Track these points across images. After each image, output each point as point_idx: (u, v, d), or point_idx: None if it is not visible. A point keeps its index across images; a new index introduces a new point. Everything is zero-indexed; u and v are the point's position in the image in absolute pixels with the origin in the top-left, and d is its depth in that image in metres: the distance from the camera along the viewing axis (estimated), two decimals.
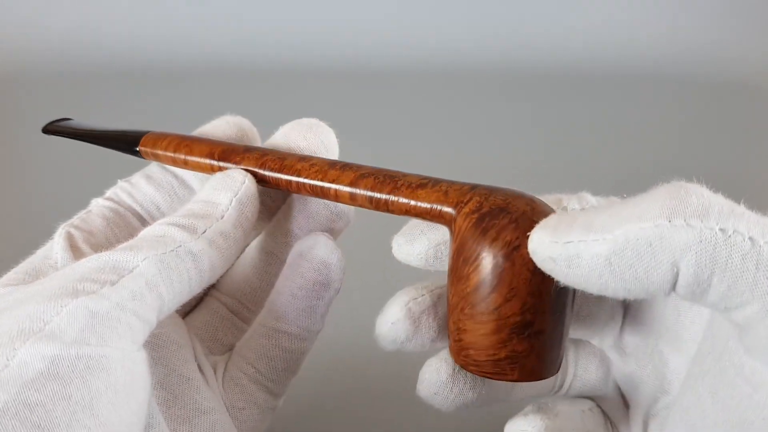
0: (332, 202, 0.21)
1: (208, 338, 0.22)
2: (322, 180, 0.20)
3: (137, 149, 0.23)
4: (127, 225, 0.22)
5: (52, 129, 0.25)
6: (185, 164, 0.22)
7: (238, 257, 0.19)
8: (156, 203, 0.23)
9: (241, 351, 0.21)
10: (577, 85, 0.72)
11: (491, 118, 0.63)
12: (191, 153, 0.22)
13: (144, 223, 0.22)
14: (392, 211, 0.19)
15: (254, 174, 0.21)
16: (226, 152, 0.21)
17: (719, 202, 0.14)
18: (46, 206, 0.46)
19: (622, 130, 0.59)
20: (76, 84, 0.72)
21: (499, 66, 0.77)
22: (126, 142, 0.24)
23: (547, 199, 0.18)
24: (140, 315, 0.15)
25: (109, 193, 0.23)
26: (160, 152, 0.23)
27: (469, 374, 0.19)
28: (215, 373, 0.21)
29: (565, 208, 0.18)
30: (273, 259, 0.23)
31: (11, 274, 0.19)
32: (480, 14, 0.82)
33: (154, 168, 0.24)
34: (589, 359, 0.21)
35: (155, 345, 0.19)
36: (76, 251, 0.19)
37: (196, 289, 0.17)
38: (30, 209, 0.46)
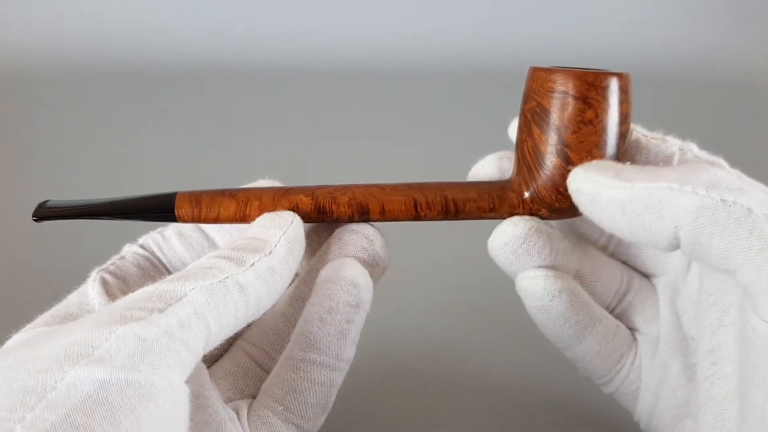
0: (369, 246, 0.21)
1: (228, 388, 0.21)
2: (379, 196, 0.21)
3: (174, 215, 0.21)
4: (160, 276, 0.21)
5: (47, 214, 0.23)
6: (236, 216, 0.21)
7: (280, 296, 0.19)
8: (184, 263, 0.22)
9: (268, 389, 0.20)
10: None
11: (491, 118, 0.63)
12: (237, 202, 0.21)
13: None
14: (461, 213, 0.21)
15: (310, 210, 0.21)
16: (279, 194, 0.21)
17: (729, 179, 0.17)
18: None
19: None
20: (76, 84, 0.72)
21: (499, 66, 0.77)
22: (158, 211, 0.22)
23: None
24: (188, 344, 0.15)
25: (141, 240, 0.22)
26: (203, 212, 0.21)
27: (539, 238, 0.21)
28: (238, 416, 0.20)
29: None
30: (303, 306, 0.22)
31: (46, 317, 0.18)
32: (480, 14, 0.82)
33: (187, 226, 0.23)
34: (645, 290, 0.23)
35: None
36: (112, 298, 0.19)
37: (242, 322, 0.17)
38: (29, 209, 0.46)
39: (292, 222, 0.20)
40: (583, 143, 0.19)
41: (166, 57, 0.77)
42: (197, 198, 0.21)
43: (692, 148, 0.21)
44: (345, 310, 0.20)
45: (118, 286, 0.20)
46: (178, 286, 0.16)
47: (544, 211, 0.21)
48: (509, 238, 0.20)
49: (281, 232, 0.19)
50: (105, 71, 0.75)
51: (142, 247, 0.22)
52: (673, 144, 0.21)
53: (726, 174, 0.17)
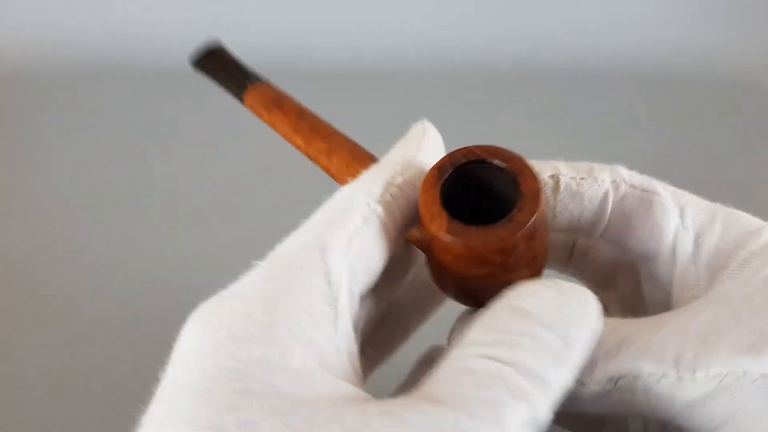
0: None
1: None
2: None
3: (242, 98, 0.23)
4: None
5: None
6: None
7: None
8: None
9: None
10: (577, 85, 0.71)
11: (491, 118, 0.63)
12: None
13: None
14: None
15: None
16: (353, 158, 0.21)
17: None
18: (45, 206, 0.46)
19: (622, 129, 0.59)
20: (76, 84, 0.71)
21: (499, 66, 0.77)
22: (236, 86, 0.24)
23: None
24: None
25: (381, 193, 0.18)
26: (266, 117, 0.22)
27: None
28: None
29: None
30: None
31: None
32: (480, 14, 0.82)
33: None
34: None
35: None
36: (354, 300, 0.16)
37: None
38: (29, 210, 0.46)
39: (593, 316, 0.15)
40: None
41: (166, 57, 0.77)
42: (271, 100, 0.23)
43: (623, 175, 0.19)
44: None
45: (362, 280, 0.16)
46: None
47: None
48: None
49: (583, 333, 0.14)
50: (105, 71, 0.74)
51: (387, 203, 0.17)
52: (603, 180, 0.19)
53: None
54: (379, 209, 0.17)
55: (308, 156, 0.22)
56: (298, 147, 0.22)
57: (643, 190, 0.19)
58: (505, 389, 0.12)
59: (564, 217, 0.20)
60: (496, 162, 0.18)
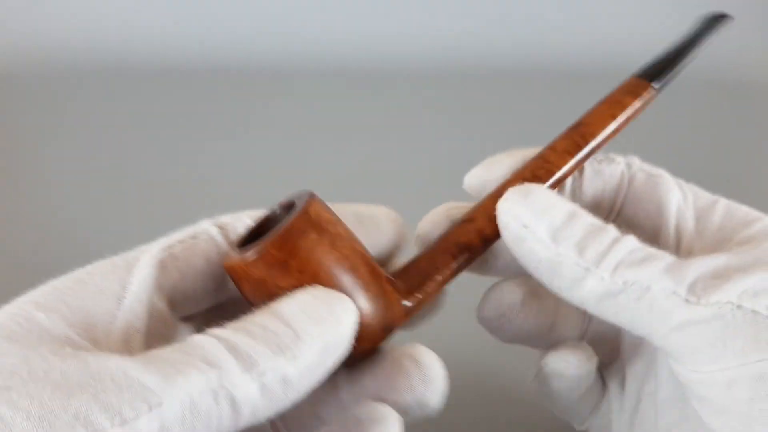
0: (423, 390, 0.17)
1: None
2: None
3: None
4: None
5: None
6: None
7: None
8: None
9: None
10: (577, 85, 0.71)
11: (491, 118, 0.63)
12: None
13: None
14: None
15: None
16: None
17: (637, 247, 0.18)
18: (45, 206, 0.46)
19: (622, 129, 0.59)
20: (75, 84, 0.72)
21: (499, 66, 0.77)
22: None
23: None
24: None
25: (225, 220, 0.19)
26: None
27: (539, 301, 0.21)
28: None
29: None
30: (330, 389, 0.19)
31: (64, 298, 0.16)
32: (480, 14, 0.82)
33: None
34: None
35: None
36: (161, 293, 0.17)
37: None
38: (29, 210, 0.46)
39: (343, 324, 0.16)
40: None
41: (166, 57, 0.77)
42: None
43: (635, 160, 0.22)
44: None
45: (173, 278, 0.17)
46: (160, 385, 0.13)
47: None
48: (504, 308, 0.21)
49: (320, 330, 0.15)
50: (105, 71, 0.75)
51: (221, 228, 0.18)
52: (619, 162, 0.22)
53: (632, 242, 0.18)
54: (214, 230, 0.18)
55: None
56: None
57: (651, 174, 0.22)
58: (201, 356, 0.13)
59: (588, 194, 0.22)
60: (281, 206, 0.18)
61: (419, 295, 0.18)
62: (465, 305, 0.35)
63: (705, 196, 0.21)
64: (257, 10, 0.81)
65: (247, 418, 0.14)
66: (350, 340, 0.16)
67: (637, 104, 0.22)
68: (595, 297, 0.18)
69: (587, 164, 0.22)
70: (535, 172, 0.20)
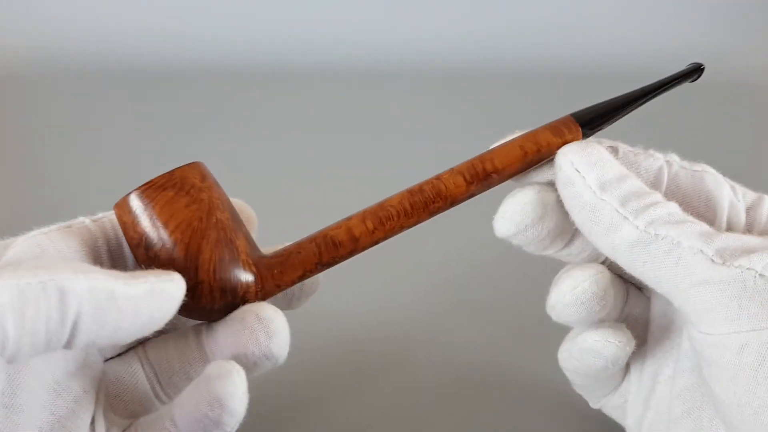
0: (266, 343, 0.19)
1: (114, 395, 0.20)
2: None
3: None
4: (98, 260, 0.20)
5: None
6: None
7: (123, 342, 0.17)
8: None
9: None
10: (576, 85, 0.72)
11: (491, 118, 0.63)
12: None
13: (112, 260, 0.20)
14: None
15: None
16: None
17: (675, 212, 0.19)
18: (45, 206, 0.46)
19: (622, 129, 0.59)
20: (75, 84, 0.72)
21: (499, 66, 0.77)
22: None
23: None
24: None
25: (102, 216, 0.21)
26: None
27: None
28: None
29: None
30: (197, 348, 0.20)
31: None
32: (480, 15, 0.82)
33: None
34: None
35: (51, 390, 0.18)
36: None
37: (56, 333, 0.15)
38: (29, 210, 0.46)
39: (173, 278, 0.18)
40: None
41: (166, 57, 0.77)
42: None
43: (675, 158, 0.22)
44: (204, 421, 0.18)
45: (50, 256, 0.18)
46: None
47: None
48: (588, 296, 0.20)
49: (153, 278, 0.17)
50: (104, 71, 0.75)
51: (95, 221, 0.20)
52: (658, 157, 0.22)
53: (674, 207, 0.19)
54: (87, 221, 0.20)
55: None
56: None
57: (695, 170, 0.22)
58: (37, 263, 0.15)
59: None
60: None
61: (277, 275, 0.20)
62: (459, 300, 0.34)
63: (750, 191, 0.22)
64: (257, 10, 0.81)
65: (73, 314, 0.15)
66: (176, 296, 0.18)
67: (555, 142, 0.21)
68: (628, 244, 0.19)
69: (621, 153, 0.21)
70: (422, 186, 0.21)
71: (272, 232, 0.24)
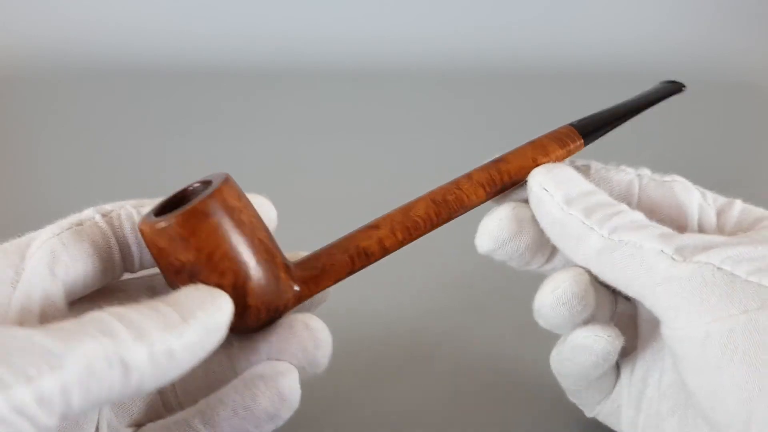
0: (313, 350, 0.20)
1: (119, 404, 0.21)
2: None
3: None
4: (107, 264, 0.20)
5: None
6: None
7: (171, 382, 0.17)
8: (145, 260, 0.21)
9: None
10: (576, 85, 0.72)
11: (491, 118, 0.63)
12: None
13: (126, 261, 0.20)
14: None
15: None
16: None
17: (638, 219, 0.21)
18: (45, 206, 0.46)
19: (622, 129, 0.59)
20: (75, 84, 0.72)
21: (499, 66, 0.77)
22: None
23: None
24: (37, 422, 0.13)
25: (110, 207, 0.20)
26: None
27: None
28: None
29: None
30: (223, 358, 0.21)
31: None
32: (480, 15, 0.82)
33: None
34: None
35: None
36: (47, 287, 0.18)
37: (115, 399, 0.15)
38: (29, 210, 0.46)
39: (221, 307, 0.17)
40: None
41: (166, 57, 0.77)
42: None
43: (646, 172, 0.23)
44: (260, 416, 0.19)
45: (64, 262, 0.18)
46: (61, 349, 0.14)
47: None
48: (568, 296, 0.21)
49: (203, 314, 0.17)
50: (104, 71, 0.75)
51: (104, 216, 0.20)
52: (629, 171, 0.23)
53: (637, 215, 0.20)
54: (98, 217, 0.20)
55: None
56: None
57: (665, 180, 0.23)
58: (98, 327, 0.15)
59: None
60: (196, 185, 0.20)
61: (312, 286, 0.20)
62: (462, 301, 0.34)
63: (721, 197, 0.23)
64: (258, 10, 0.81)
65: (136, 384, 0.15)
66: (227, 325, 0.17)
67: (560, 153, 0.23)
68: (595, 252, 0.20)
69: (593, 170, 0.23)
70: (446, 195, 0.22)
71: (276, 229, 0.24)
